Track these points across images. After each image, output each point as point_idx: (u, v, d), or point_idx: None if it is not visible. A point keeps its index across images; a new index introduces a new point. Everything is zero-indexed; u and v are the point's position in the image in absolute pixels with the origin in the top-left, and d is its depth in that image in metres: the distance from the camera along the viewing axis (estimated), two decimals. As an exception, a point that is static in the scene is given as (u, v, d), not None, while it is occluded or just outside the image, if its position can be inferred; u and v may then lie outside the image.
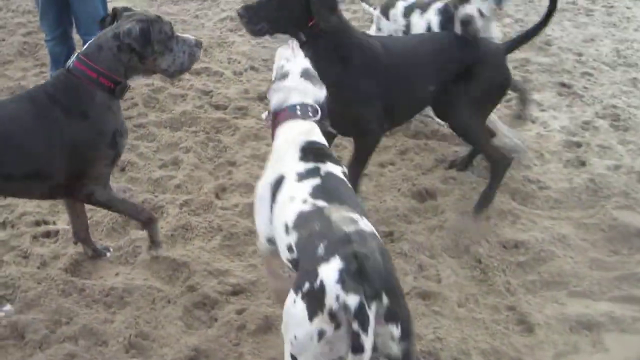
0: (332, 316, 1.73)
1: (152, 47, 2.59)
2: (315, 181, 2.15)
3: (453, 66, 3.22)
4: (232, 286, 2.85)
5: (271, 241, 2.32)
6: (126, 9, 2.70)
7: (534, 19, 6.09)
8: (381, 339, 1.78)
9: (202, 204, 3.46)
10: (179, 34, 2.74)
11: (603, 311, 2.76)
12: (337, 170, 2.24)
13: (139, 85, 4.76)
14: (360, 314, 1.69)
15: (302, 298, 1.78)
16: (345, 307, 1.70)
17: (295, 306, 1.81)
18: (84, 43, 2.82)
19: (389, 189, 3.64)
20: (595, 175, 3.70)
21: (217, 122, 4.34)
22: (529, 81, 4.93)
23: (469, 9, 3.24)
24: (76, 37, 4.42)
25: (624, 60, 5.44)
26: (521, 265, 3.05)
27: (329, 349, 1.78)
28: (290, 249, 2.08)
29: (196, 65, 5.18)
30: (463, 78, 3.22)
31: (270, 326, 2.62)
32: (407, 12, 3.95)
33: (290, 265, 2.15)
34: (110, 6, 3.74)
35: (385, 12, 4.12)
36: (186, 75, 5.01)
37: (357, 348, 1.69)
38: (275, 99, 2.39)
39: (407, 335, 1.82)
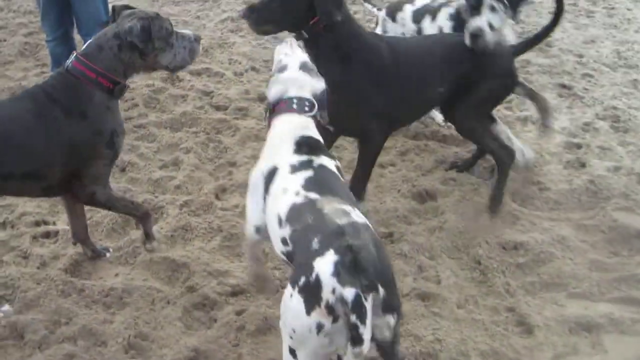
0: (330, 309, 1.75)
1: (153, 43, 2.60)
2: (308, 173, 2.18)
3: (462, 68, 3.21)
4: (232, 287, 2.86)
5: (259, 229, 2.37)
6: (125, 7, 2.71)
7: (535, 20, 6.10)
8: (378, 330, 1.81)
9: (202, 205, 3.46)
10: (178, 30, 2.76)
11: (602, 313, 2.75)
12: (331, 164, 2.27)
13: (139, 85, 4.77)
14: (358, 307, 1.70)
15: (299, 292, 1.80)
16: (342, 300, 1.72)
17: (292, 300, 1.83)
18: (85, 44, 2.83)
19: (389, 190, 3.64)
20: (595, 177, 3.69)
21: (218, 122, 4.34)
22: (530, 82, 4.93)
23: (479, 22, 3.17)
24: (77, 37, 4.43)
25: (625, 61, 5.43)
26: (521, 266, 3.04)
27: (328, 341, 1.80)
28: (284, 241, 2.10)
29: (197, 66, 5.22)
30: (471, 80, 3.21)
31: (269, 327, 2.62)
32: (417, 17, 3.88)
33: (285, 258, 2.17)
34: (111, 7, 3.75)
35: (391, 14, 4.07)
36: (187, 76, 5.02)
37: (356, 340, 1.70)
38: (274, 91, 2.42)
39: (398, 320, 1.88)
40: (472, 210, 3.41)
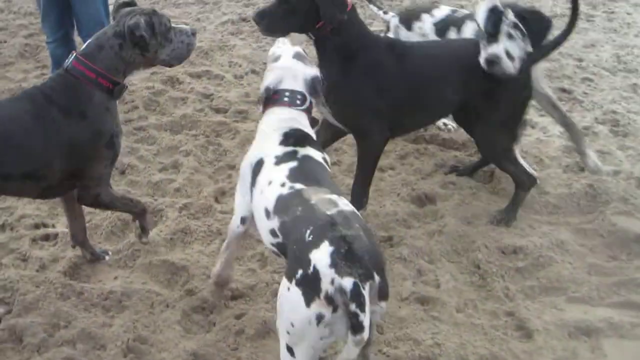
0: (329, 300, 1.78)
1: (156, 39, 2.63)
2: (292, 164, 2.22)
3: (480, 77, 3.13)
4: (231, 290, 2.85)
5: (244, 220, 2.44)
6: (124, 5, 2.71)
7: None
8: (373, 316, 1.85)
9: (201, 208, 3.46)
10: (175, 25, 2.78)
11: (602, 317, 2.75)
12: (317, 155, 2.32)
13: (139, 88, 4.78)
14: (356, 295, 1.74)
15: (297, 285, 1.83)
16: (341, 289, 1.75)
17: (290, 293, 1.85)
18: (86, 45, 2.84)
19: (388, 194, 3.64)
20: (594, 181, 3.69)
21: (218, 125, 4.34)
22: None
23: (496, 49, 3.05)
24: (77, 39, 4.43)
25: (624, 66, 5.43)
26: (520, 270, 3.04)
27: (328, 331, 1.83)
28: (273, 233, 2.14)
29: (197, 69, 5.23)
30: (490, 92, 3.15)
31: (268, 331, 2.62)
32: (441, 29, 3.71)
33: (275, 249, 2.21)
34: (111, 9, 3.75)
35: (407, 22, 3.93)
36: (187, 79, 5.03)
37: (357, 328, 1.74)
38: (268, 79, 2.46)
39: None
40: (471, 214, 3.42)
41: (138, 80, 4.90)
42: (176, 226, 3.28)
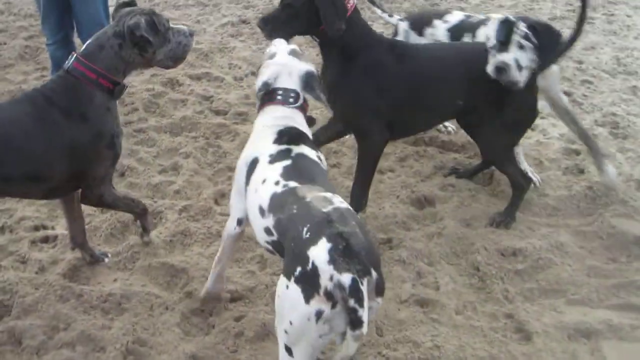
0: (329, 296, 1.79)
1: (157, 38, 2.64)
2: (286, 162, 2.23)
3: (487, 82, 3.11)
4: (230, 293, 2.85)
5: (240, 222, 2.45)
6: (124, 5, 2.72)
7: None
8: (370, 312, 1.85)
9: (201, 210, 3.46)
10: (173, 25, 2.79)
11: (601, 319, 2.75)
12: (311, 154, 2.33)
13: (139, 90, 4.78)
14: (355, 291, 1.76)
15: (296, 282, 1.84)
16: (339, 285, 1.77)
17: (289, 291, 1.86)
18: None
19: (387, 196, 3.64)
20: (593, 183, 3.70)
21: (217, 127, 4.34)
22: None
23: (506, 57, 3.04)
24: (77, 41, 4.44)
25: (624, 68, 5.44)
26: (519, 272, 3.04)
27: (327, 328, 1.84)
28: (268, 231, 2.15)
29: (197, 71, 5.23)
30: (497, 97, 3.15)
31: (268, 333, 2.62)
32: (456, 34, 3.65)
33: (270, 247, 2.22)
34: (110, 11, 3.76)
35: (417, 28, 3.85)
36: (187, 80, 5.04)
37: (356, 323, 1.76)
38: (264, 75, 2.47)
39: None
40: (470, 216, 3.42)
41: (138, 82, 4.91)
42: (176, 228, 3.28)
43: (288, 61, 2.49)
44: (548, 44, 3.12)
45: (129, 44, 2.60)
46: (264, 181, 2.21)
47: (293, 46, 2.59)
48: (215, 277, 2.70)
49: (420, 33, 3.84)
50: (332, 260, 1.79)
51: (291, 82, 2.45)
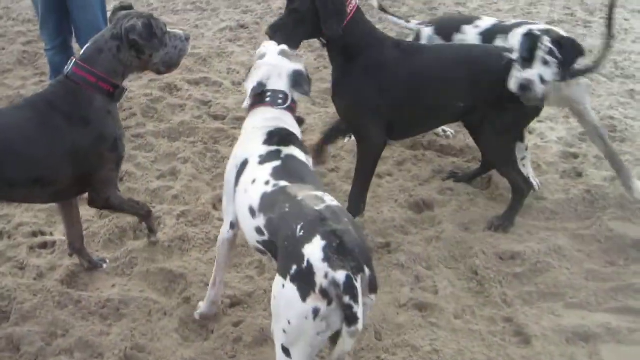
0: (324, 293, 1.81)
1: (152, 41, 2.65)
2: (276, 163, 2.25)
3: (490, 84, 3.12)
4: (229, 298, 2.85)
5: (233, 225, 2.45)
6: (121, 8, 2.74)
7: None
8: (364, 308, 1.87)
9: (199, 215, 3.47)
10: (170, 30, 2.81)
11: (599, 322, 2.75)
12: (301, 155, 2.34)
13: (137, 95, 4.79)
14: (350, 288, 1.78)
15: (292, 281, 1.85)
16: (334, 283, 1.79)
17: (285, 290, 1.88)
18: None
19: (386, 200, 3.64)
20: (591, 187, 3.70)
21: (216, 132, 4.35)
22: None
23: (529, 74, 3.01)
24: (76, 46, 4.45)
25: (622, 71, 5.45)
26: (517, 276, 3.04)
27: (325, 325, 1.86)
28: (259, 231, 2.16)
29: (195, 75, 5.24)
30: (499, 99, 3.14)
31: (266, 338, 2.62)
32: (488, 38, 3.54)
33: (261, 247, 2.22)
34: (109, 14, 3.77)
35: (443, 33, 3.75)
36: (185, 85, 5.04)
37: (352, 319, 1.78)
38: (257, 76, 2.49)
39: None
40: (469, 220, 3.42)
41: (136, 88, 4.92)
42: (174, 234, 3.28)
43: (278, 62, 2.52)
44: (570, 58, 3.12)
45: (126, 46, 2.62)
46: (253, 181, 2.22)
47: (283, 46, 2.62)
48: (211, 300, 2.68)
49: (448, 39, 3.74)
50: (326, 258, 1.81)
51: (281, 82, 2.48)
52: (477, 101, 3.18)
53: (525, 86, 3.02)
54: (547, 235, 3.33)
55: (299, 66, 2.52)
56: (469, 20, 3.78)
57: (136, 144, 4.19)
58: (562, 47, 3.08)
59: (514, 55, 3.10)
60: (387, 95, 3.12)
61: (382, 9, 4.25)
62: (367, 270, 1.87)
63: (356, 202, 3.26)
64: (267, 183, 2.17)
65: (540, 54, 3.04)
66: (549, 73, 3.05)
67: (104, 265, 3.06)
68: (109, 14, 3.45)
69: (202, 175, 3.88)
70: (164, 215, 3.44)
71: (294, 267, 1.85)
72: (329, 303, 1.81)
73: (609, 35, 3.12)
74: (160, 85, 5.00)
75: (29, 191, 2.60)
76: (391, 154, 4.08)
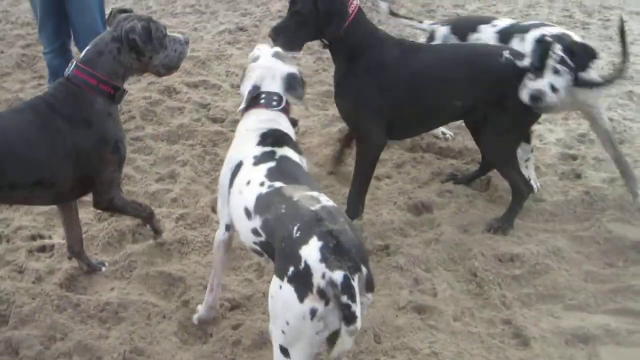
0: (321, 294, 1.81)
1: (152, 44, 2.66)
2: (270, 164, 2.25)
3: (490, 84, 3.11)
4: (228, 301, 2.85)
5: (228, 227, 2.45)
6: (121, 11, 2.75)
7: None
8: (361, 307, 1.87)
9: (198, 218, 3.47)
10: (169, 33, 2.82)
11: (598, 324, 2.75)
12: (295, 156, 2.35)
13: (136, 98, 4.79)
14: (347, 287, 1.79)
15: (289, 282, 1.85)
16: (332, 283, 1.79)
17: (283, 291, 1.88)
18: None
19: (385, 202, 3.64)
20: (590, 188, 3.70)
21: (214, 135, 4.35)
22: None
23: (540, 85, 3.00)
24: (74, 49, 4.45)
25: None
26: (516, 278, 3.04)
27: (323, 325, 1.86)
28: (256, 232, 2.16)
29: (194, 78, 5.24)
30: (500, 99, 3.14)
31: (265, 341, 2.61)
32: (504, 37, 3.49)
33: (257, 248, 2.22)
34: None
35: (460, 33, 3.69)
36: (184, 88, 5.05)
37: (350, 318, 1.78)
38: (252, 79, 2.50)
39: None
40: (468, 222, 3.42)
41: (135, 90, 4.92)
42: (173, 237, 3.28)
43: (272, 64, 2.53)
44: (582, 64, 3.12)
45: (126, 48, 2.63)
46: (248, 183, 2.23)
47: (276, 49, 2.64)
48: (209, 305, 2.68)
49: (464, 39, 3.70)
50: (323, 259, 1.81)
51: (275, 85, 2.49)
52: (477, 101, 3.19)
53: (537, 97, 3.02)
54: (546, 237, 3.33)
55: (292, 69, 2.54)
56: (487, 20, 3.76)
57: (135, 147, 4.19)
58: (574, 55, 3.07)
59: (526, 62, 3.10)
60: (388, 95, 3.13)
61: (393, 13, 4.26)
62: (364, 269, 1.87)
63: (355, 204, 3.27)
64: (262, 184, 2.18)
65: (551, 62, 3.04)
66: (560, 82, 3.04)
67: (103, 269, 3.06)
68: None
69: (201, 178, 3.88)
70: (163, 218, 3.44)
71: (291, 268, 1.85)
72: (327, 303, 1.82)
73: (624, 58, 3.11)
74: (159, 88, 5.01)
75: (30, 193, 2.60)
76: (390, 156, 4.08)
